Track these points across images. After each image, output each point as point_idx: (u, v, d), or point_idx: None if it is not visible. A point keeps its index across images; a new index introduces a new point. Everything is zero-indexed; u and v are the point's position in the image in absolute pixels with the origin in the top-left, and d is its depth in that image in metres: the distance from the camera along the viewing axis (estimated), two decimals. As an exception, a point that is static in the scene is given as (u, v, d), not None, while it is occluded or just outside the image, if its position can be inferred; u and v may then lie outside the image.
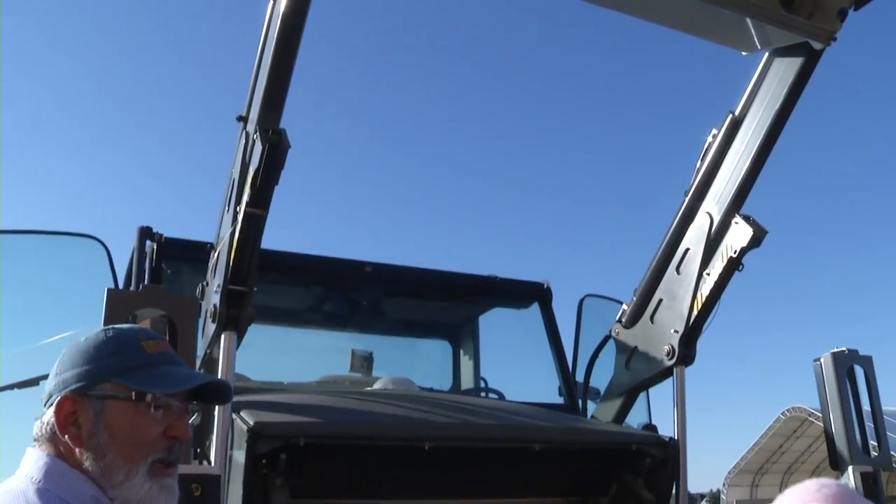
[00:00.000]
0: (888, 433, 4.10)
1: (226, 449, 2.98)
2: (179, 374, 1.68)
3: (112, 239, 4.63)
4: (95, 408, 1.57)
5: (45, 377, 4.56)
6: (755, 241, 3.74)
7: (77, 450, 1.55)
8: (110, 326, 1.69)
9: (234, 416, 3.18)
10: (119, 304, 2.70)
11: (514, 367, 5.78)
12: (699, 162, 4.03)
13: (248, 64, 3.49)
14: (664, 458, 3.71)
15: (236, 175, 3.28)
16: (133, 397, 1.57)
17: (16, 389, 4.58)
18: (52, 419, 1.56)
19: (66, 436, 1.55)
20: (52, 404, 1.58)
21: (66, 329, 4.80)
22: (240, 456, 3.07)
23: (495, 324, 5.75)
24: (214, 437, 2.93)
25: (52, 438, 1.57)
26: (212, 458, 2.93)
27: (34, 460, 1.56)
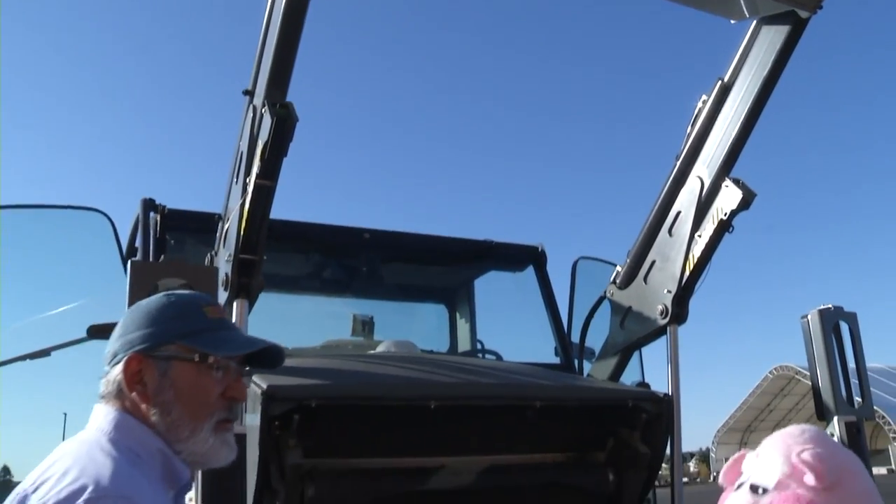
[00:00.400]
0: (872, 388, 4.26)
1: (243, 410, 3.11)
2: (239, 338, 1.81)
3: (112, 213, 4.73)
4: (161, 368, 1.68)
5: (57, 347, 4.66)
6: (744, 204, 3.86)
7: (144, 406, 1.67)
8: (172, 292, 1.82)
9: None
10: (143, 274, 2.81)
11: (511, 329, 5.93)
12: (689, 127, 4.14)
13: (250, 38, 3.59)
14: (659, 413, 3.84)
15: (244, 148, 3.37)
16: (197, 359, 1.70)
17: (27, 360, 4.71)
18: (120, 377, 1.68)
19: (134, 393, 1.67)
20: (117, 363, 1.69)
21: (73, 300, 4.93)
22: (254, 419, 3.20)
23: (491, 287, 5.89)
24: None
25: (118, 395, 1.69)
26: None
27: (104, 415, 1.68)
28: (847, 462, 1.87)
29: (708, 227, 4.00)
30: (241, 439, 2.90)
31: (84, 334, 4.24)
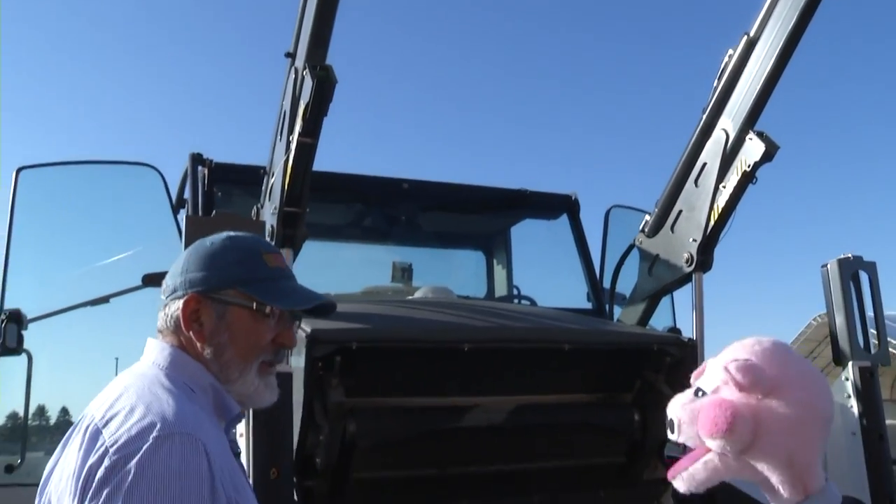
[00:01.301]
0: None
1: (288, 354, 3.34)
2: (296, 291, 1.86)
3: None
4: (218, 311, 1.75)
5: (115, 295, 4.92)
6: (767, 156, 3.96)
7: (199, 344, 1.74)
8: (235, 235, 1.87)
9: None
10: (197, 228, 3.00)
11: (545, 275, 6.09)
12: (716, 81, 4.22)
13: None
14: (682, 357, 4.01)
15: (287, 107, 3.55)
16: (254, 307, 1.75)
17: (88, 307, 5.00)
18: (178, 314, 1.74)
19: (190, 331, 1.73)
20: (176, 298, 1.76)
21: (127, 251, 5.20)
22: (298, 361, 3.43)
23: (526, 235, 6.05)
24: None
25: (175, 331, 1.76)
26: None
27: (159, 350, 1.77)
28: (789, 373, 1.92)
29: (732, 179, 4.10)
30: (286, 378, 3.15)
31: (139, 282, 4.52)
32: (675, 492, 4.03)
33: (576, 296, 5.48)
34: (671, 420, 2.05)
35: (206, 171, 4.93)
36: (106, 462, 1.47)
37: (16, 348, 4.44)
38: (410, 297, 4.81)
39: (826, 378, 1.99)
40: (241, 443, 3.06)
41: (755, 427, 1.93)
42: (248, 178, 4.71)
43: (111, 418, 1.56)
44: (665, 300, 4.92)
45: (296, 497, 3.43)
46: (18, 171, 4.75)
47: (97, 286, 4.90)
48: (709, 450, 1.99)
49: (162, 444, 1.49)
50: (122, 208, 5.57)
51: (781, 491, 2.00)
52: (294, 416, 3.39)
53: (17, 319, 4.43)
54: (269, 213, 3.70)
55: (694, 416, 1.99)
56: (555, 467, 4.06)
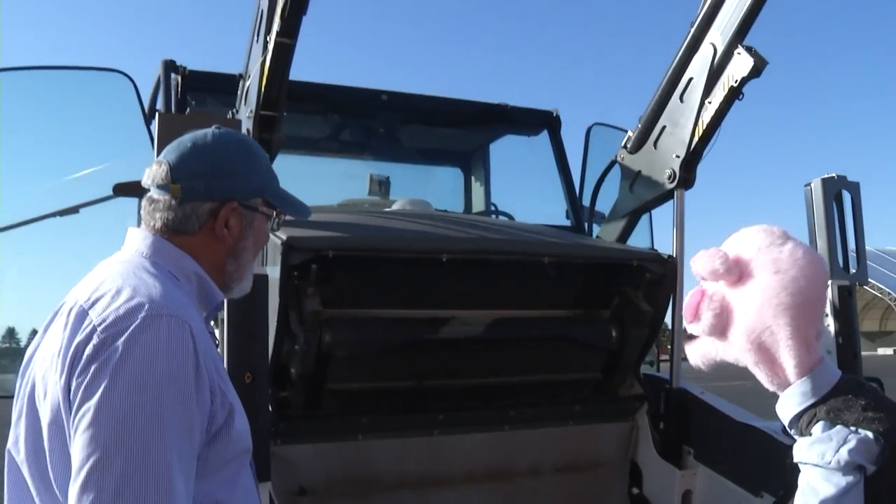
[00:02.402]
0: (887, 271, 4.37)
1: (264, 255, 3.28)
2: (296, 199, 1.97)
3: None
4: (248, 218, 1.84)
5: (85, 205, 4.80)
6: (755, 72, 3.88)
7: (223, 247, 1.83)
8: (248, 139, 1.97)
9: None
10: (170, 127, 2.89)
11: (524, 192, 6.05)
12: (706, -7, 4.12)
13: None
14: (662, 273, 4.00)
15: (265, 6, 3.40)
16: (274, 215, 1.89)
17: (57, 217, 4.87)
18: (213, 217, 1.79)
19: (220, 236, 1.81)
20: (206, 200, 1.78)
21: (98, 163, 5.05)
22: (274, 271, 3.37)
23: (506, 151, 5.97)
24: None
25: (193, 230, 1.79)
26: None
27: (141, 238, 1.79)
28: (763, 258, 2.00)
29: (718, 94, 4.02)
30: (261, 280, 3.10)
31: (110, 192, 4.40)
32: (649, 408, 4.10)
33: (554, 213, 5.44)
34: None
35: (179, 79, 4.78)
36: (94, 340, 1.50)
37: (-18, 257, 4.34)
38: (388, 209, 4.74)
39: (818, 264, 1.98)
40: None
41: (724, 311, 1.98)
42: (223, 86, 4.58)
43: (97, 300, 1.58)
44: (643, 219, 4.88)
45: (269, 406, 3.40)
46: None
47: (69, 199, 4.77)
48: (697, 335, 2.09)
49: (150, 323, 1.52)
50: (92, 117, 5.41)
51: (759, 374, 2.06)
52: (269, 326, 3.35)
53: (-17, 229, 4.33)
54: (244, 116, 3.60)
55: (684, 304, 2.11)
56: (531, 382, 4.07)
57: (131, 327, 1.51)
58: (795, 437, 2.02)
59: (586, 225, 5.18)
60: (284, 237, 3.33)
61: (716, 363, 2.10)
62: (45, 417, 1.56)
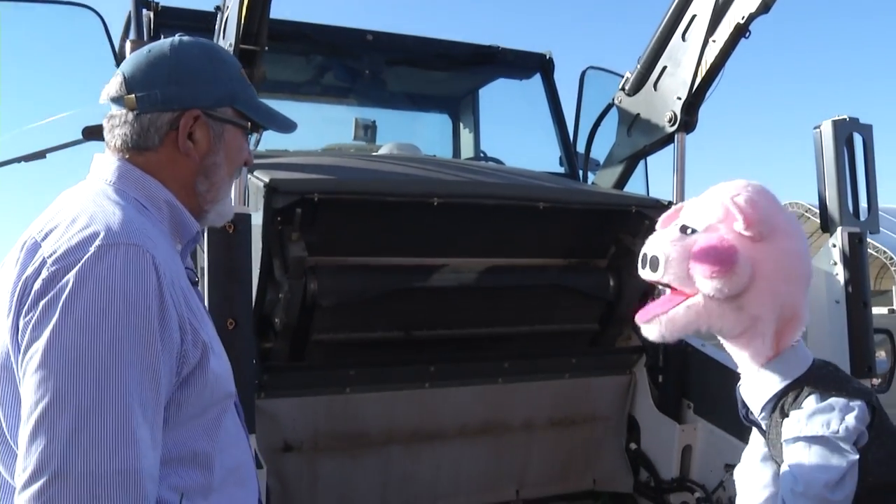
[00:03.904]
0: (884, 229, 4.20)
1: (246, 199, 3.09)
2: (274, 111, 1.80)
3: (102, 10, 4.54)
4: (216, 129, 1.65)
5: (52, 149, 4.55)
6: (764, 7, 3.67)
7: (190, 164, 1.64)
8: (214, 45, 1.76)
9: (248, 175, 3.27)
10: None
11: (516, 138, 5.84)
12: (712, -77, 3.90)
13: None
14: None
15: None
16: (249, 127, 1.71)
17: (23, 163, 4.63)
18: (172, 128, 1.61)
19: (185, 150, 1.63)
20: (164, 111, 1.61)
21: (67, 107, 4.79)
22: (257, 216, 3.19)
23: (497, 96, 5.75)
24: (235, 188, 3.03)
25: (153, 146, 1.62)
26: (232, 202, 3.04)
27: (106, 165, 1.62)
28: (783, 220, 1.85)
29: (723, 32, 3.82)
30: (244, 220, 2.93)
31: (79, 136, 4.17)
32: (648, 361, 3.95)
33: (548, 160, 5.24)
34: (654, 257, 1.86)
35: (151, 15, 4.54)
36: (43, 274, 1.37)
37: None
38: (375, 153, 4.53)
39: None
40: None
41: (753, 269, 1.76)
42: (198, 24, 4.32)
43: (51, 230, 1.45)
44: (639, 167, 4.70)
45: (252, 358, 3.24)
46: None
47: (34, 146, 4.54)
48: (691, 294, 1.82)
49: (105, 253, 1.38)
50: (59, 59, 5.16)
51: (755, 344, 1.84)
52: (252, 273, 3.17)
53: (-57, 174, 4.11)
54: (223, 51, 3.38)
55: (686, 252, 1.80)
56: (526, 332, 3.91)
57: (84, 258, 1.37)
58: (764, 422, 1.90)
59: (581, 172, 5.00)
60: (267, 179, 3.15)
61: (692, 333, 1.89)
62: None
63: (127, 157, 1.62)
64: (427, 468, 3.79)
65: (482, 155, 5.65)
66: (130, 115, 1.61)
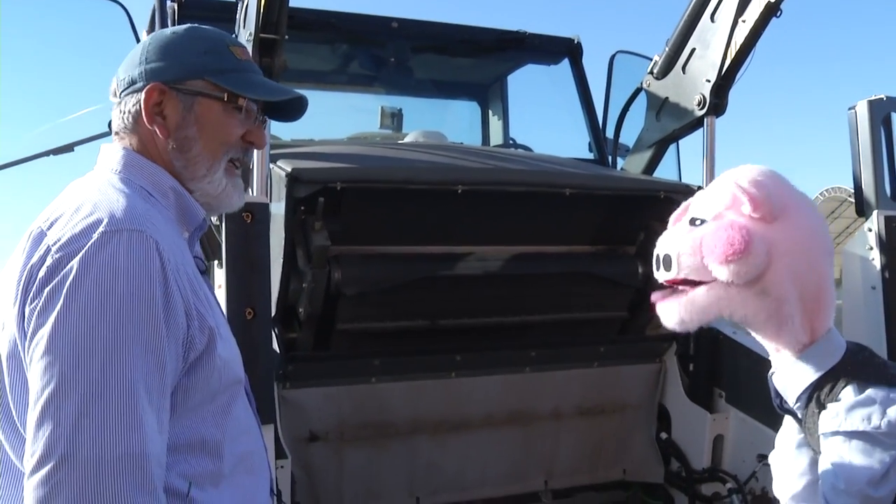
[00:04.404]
0: None
1: (267, 187, 3.07)
2: (267, 83, 1.76)
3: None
4: (186, 102, 1.63)
5: (80, 143, 4.58)
6: None
7: (161, 140, 1.62)
8: (198, 26, 1.73)
9: (271, 165, 3.25)
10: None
11: (544, 126, 5.79)
12: None
13: None
14: None
15: None
16: (225, 98, 1.64)
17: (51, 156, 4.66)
18: (139, 107, 1.62)
19: (155, 126, 1.62)
20: (134, 91, 1.63)
21: (94, 102, 4.81)
22: (278, 208, 3.18)
23: (524, 82, 5.70)
24: (256, 178, 3.01)
25: (134, 129, 1.65)
26: (254, 192, 3.03)
27: (112, 154, 1.64)
28: (794, 198, 1.78)
29: (754, 11, 3.72)
30: (262, 209, 2.92)
31: (106, 129, 4.18)
32: (678, 349, 3.88)
33: (577, 147, 5.18)
34: (666, 256, 1.81)
35: (175, 7, 4.54)
36: (48, 261, 1.39)
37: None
38: (401, 141, 4.50)
39: None
40: (221, 294, 2.86)
41: (770, 250, 1.69)
42: (222, 14, 4.30)
43: (56, 219, 1.47)
44: (670, 151, 4.62)
45: (277, 348, 3.23)
46: None
47: (62, 140, 4.57)
48: (709, 282, 1.76)
49: (108, 240, 1.39)
50: (85, 52, 5.20)
51: (787, 330, 1.77)
52: (275, 263, 3.17)
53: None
54: (244, 40, 3.36)
55: (697, 244, 1.74)
56: (553, 320, 3.85)
57: (87, 245, 1.38)
58: (800, 411, 1.81)
59: (610, 158, 4.93)
60: (289, 169, 3.14)
61: (713, 317, 1.81)
62: (3, 350, 1.46)
63: (128, 142, 1.65)
64: (454, 458, 3.76)
65: (511, 142, 5.61)
66: (114, 102, 1.67)
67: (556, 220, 3.77)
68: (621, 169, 4.69)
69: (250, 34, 3.25)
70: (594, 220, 3.88)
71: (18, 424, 1.44)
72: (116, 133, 1.67)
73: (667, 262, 1.80)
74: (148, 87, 1.60)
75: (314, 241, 3.20)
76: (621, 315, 3.99)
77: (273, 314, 3.25)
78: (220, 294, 2.86)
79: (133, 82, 1.63)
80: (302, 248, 3.29)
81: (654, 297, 1.89)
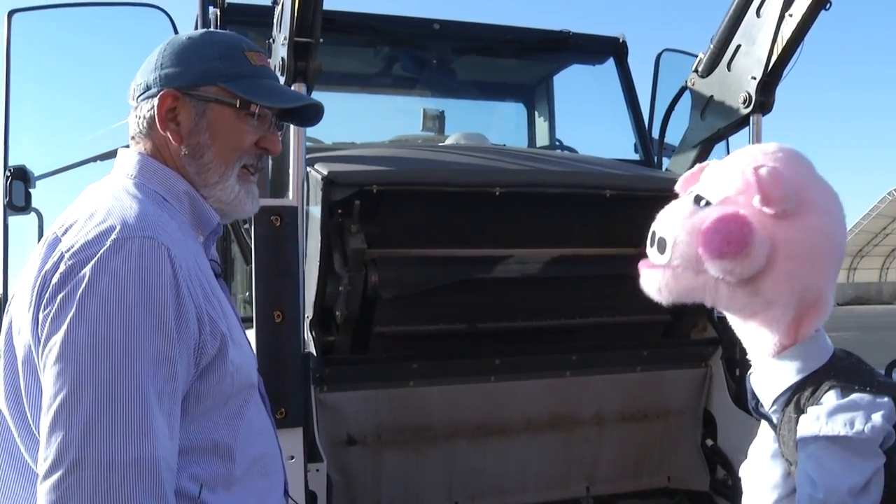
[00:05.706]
0: None
1: (302, 190, 3.07)
2: (282, 90, 1.78)
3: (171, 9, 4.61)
4: (198, 108, 1.63)
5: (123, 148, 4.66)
6: None
7: (174, 146, 1.63)
8: (214, 31, 1.76)
9: (308, 169, 3.26)
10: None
11: (590, 126, 5.74)
12: None
13: None
14: None
15: None
16: (238, 105, 1.64)
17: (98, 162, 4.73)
18: (153, 112, 1.63)
19: (167, 131, 1.62)
20: (149, 96, 1.63)
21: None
22: (316, 211, 3.18)
23: (569, 84, 5.64)
24: (291, 181, 3.02)
25: (148, 134, 1.66)
26: (290, 195, 3.03)
27: (128, 159, 1.65)
28: (816, 193, 1.63)
29: (801, 4, 3.61)
30: (291, 212, 2.91)
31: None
32: (724, 353, 3.77)
33: (623, 148, 5.11)
34: (661, 238, 1.69)
35: (218, 12, 4.58)
36: (61, 268, 1.40)
37: (24, 206, 4.27)
38: (441, 144, 4.48)
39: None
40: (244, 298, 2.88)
41: (772, 250, 1.59)
42: (264, 19, 4.34)
43: (70, 225, 1.48)
44: (719, 150, 4.52)
45: (314, 351, 3.22)
46: (11, 14, 4.39)
47: (105, 145, 4.64)
48: (700, 270, 1.66)
49: (121, 247, 1.41)
50: (127, 57, 5.26)
51: (768, 330, 1.67)
52: (312, 266, 3.19)
53: (22, 176, 4.25)
54: (279, 44, 3.38)
55: (696, 231, 1.62)
56: (594, 324, 3.79)
57: (100, 252, 1.39)
58: (776, 416, 1.70)
59: (656, 159, 4.84)
60: (325, 172, 3.14)
61: (694, 300, 1.72)
62: (19, 355, 1.47)
63: (143, 147, 1.66)
64: (493, 462, 3.71)
65: (557, 143, 5.55)
66: (133, 106, 1.67)
67: (596, 222, 3.71)
68: (666, 169, 4.61)
69: (285, 38, 3.26)
70: (635, 222, 3.76)
71: (34, 428, 1.46)
72: (132, 138, 1.68)
73: (661, 245, 1.70)
74: (162, 92, 1.62)
75: (350, 245, 3.19)
76: (664, 318, 3.89)
77: (310, 317, 3.26)
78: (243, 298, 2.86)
79: (148, 87, 1.64)
80: (338, 251, 3.28)
81: (642, 264, 1.81)
